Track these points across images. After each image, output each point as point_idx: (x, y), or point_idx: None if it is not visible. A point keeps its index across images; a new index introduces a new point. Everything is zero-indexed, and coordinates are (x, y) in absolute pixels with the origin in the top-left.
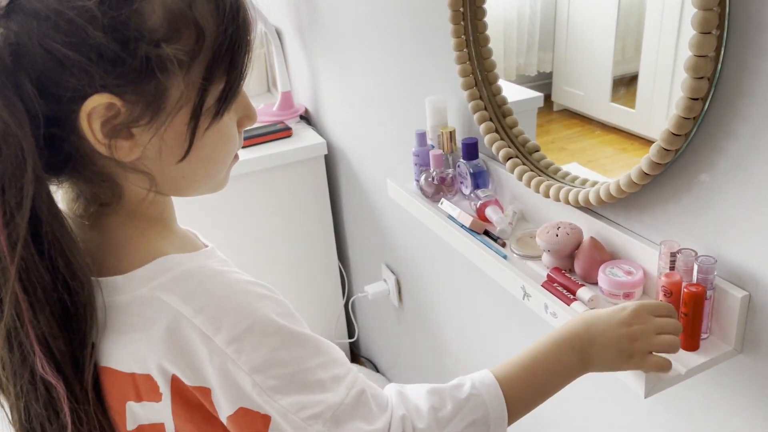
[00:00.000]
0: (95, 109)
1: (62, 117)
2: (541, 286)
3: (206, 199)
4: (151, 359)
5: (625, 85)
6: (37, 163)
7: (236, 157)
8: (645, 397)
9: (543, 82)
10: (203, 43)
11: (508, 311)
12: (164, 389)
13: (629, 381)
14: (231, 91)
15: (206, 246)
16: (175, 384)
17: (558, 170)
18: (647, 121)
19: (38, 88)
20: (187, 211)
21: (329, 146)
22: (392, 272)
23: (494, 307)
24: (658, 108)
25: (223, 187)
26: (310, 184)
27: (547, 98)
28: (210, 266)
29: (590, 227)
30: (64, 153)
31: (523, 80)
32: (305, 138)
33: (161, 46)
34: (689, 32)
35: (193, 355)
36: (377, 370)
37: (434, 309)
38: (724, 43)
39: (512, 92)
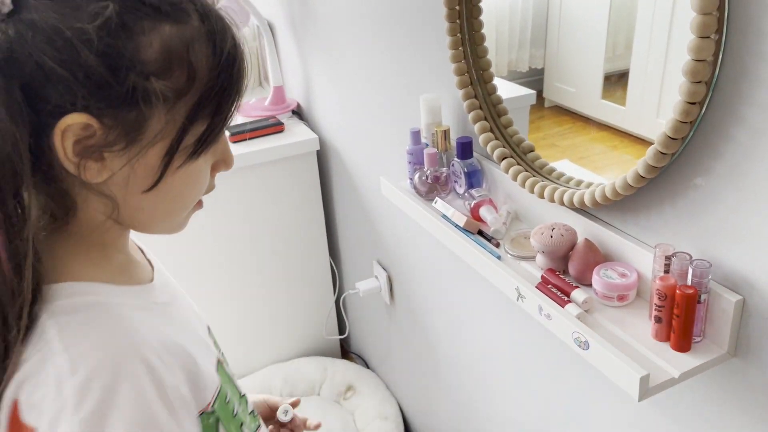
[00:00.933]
0: (71, 127)
1: (38, 129)
2: (536, 287)
3: None
4: (12, 382)
5: (616, 82)
6: (29, 166)
7: (200, 203)
8: (639, 400)
9: (534, 78)
10: (193, 85)
11: (501, 310)
12: (4, 414)
13: (623, 384)
14: (212, 135)
15: (150, 282)
16: (14, 412)
17: (552, 170)
18: (637, 119)
19: (24, 94)
20: None
21: (321, 142)
22: (384, 269)
23: (487, 307)
24: (649, 106)
25: (180, 230)
26: (302, 179)
27: (539, 95)
28: (115, 305)
29: (585, 229)
30: (36, 163)
31: (514, 76)
32: (297, 133)
33: (150, 79)
34: (680, 30)
35: (41, 392)
36: (367, 366)
37: (426, 307)
38: (722, 48)
39: (505, 89)
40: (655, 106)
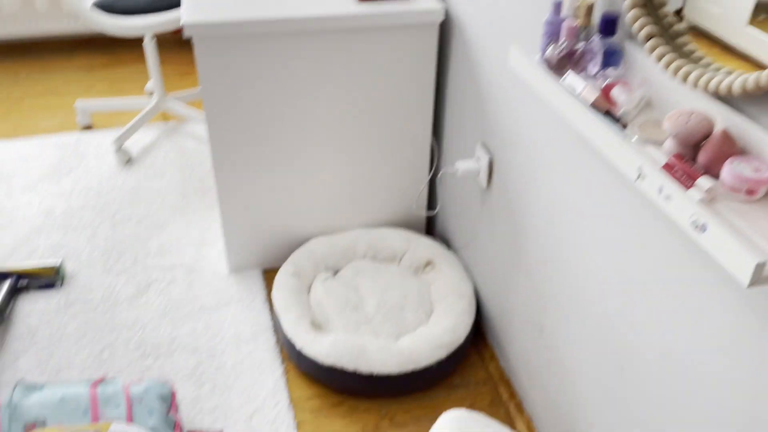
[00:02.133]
0: None
1: None
2: (662, 168)
3: (309, 47)
4: None
5: None
6: None
7: None
8: (747, 286)
9: None
10: None
11: (609, 200)
12: None
13: (736, 269)
14: None
15: None
16: None
17: (702, 58)
18: None
19: None
20: (290, 57)
21: (447, 13)
22: (487, 152)
23: (590, 195)
24: None
25: None
26: (419, 51)
27: (677, 12)
28: None
29: (725, 120)
30: None
31: None
32: (422, 1)
33: None
34: None
35: None
36: (449, 248)
37: (524, 197)
38: None
39: None
40: None
